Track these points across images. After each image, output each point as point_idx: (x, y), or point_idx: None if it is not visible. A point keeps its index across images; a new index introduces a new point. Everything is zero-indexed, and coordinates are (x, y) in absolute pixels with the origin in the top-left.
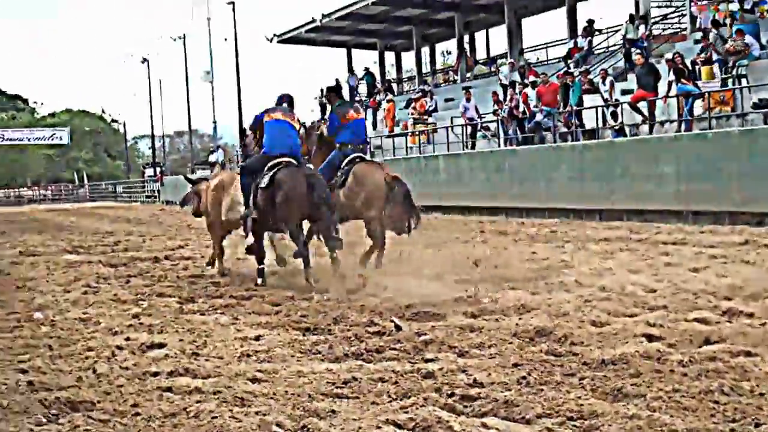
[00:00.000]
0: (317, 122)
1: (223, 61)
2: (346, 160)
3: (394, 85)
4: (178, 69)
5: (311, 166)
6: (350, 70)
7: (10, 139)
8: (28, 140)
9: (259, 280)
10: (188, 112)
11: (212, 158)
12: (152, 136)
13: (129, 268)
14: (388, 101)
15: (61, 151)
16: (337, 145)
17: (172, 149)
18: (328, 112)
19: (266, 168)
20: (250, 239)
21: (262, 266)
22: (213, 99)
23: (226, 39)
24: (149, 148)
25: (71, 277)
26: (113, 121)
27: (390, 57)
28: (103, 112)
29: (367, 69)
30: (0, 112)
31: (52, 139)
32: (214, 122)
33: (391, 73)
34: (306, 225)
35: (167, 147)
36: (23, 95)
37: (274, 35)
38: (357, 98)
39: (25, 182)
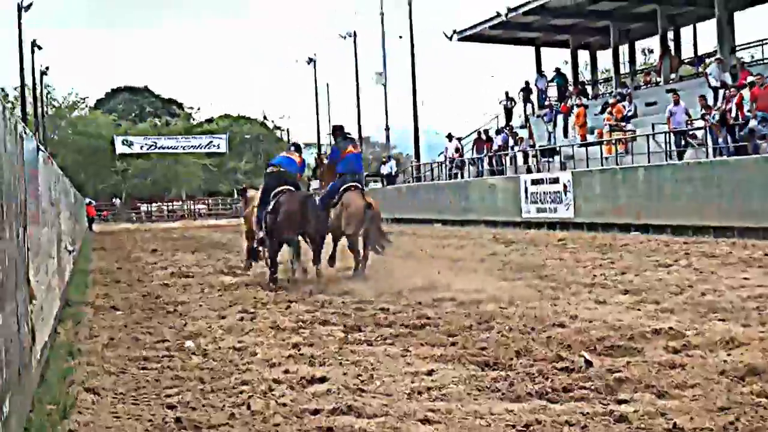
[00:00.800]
0: (323, 154)
1: (397, 61)
2: (342, 187)
3: (588, 88)
4: (347, 70)
5: (311, 189)
6: (539, 70)
7: (164, 147)
8: (183, 148)
9: (271, 285)
10: (358, 117)
11: (384, 169)
12: (318, 145)
13: (290, 292)
14: (578, 106)
15: (219, 161)
16: (338, 175)
17: None
18: (333, 144)
19: (272, 195)
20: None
21: (274, 275)
22: (386, 103)
23: (401, 37)
24: (315, 158)
25: (227, 301)
26: (276, 127)
27: (584, 56)
28: (264, 117)
29: (557, 69)
30: (153, 118)
31: (209, 147)
32: (387, 129)
33: (585, 74)
34: None
35: None
36: (178, 99)
37: (454, 32)
38: (546, 102)
39: (179, 195)
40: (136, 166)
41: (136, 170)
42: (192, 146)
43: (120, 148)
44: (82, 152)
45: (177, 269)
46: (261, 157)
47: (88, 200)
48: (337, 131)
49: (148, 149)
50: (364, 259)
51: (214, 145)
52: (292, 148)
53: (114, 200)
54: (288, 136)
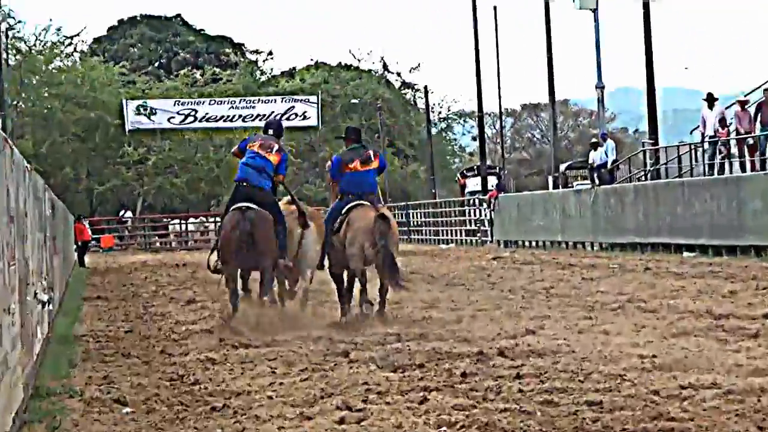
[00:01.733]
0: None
1: None
2: (345, 208)
3: None
4: None
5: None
6: None
7: (209, 119)
8: (243, 120)
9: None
10: (549, 66)
11: (595, 157)
12: (479, 115)
13: (428, 371)
14: None
15: (308, 144)
16: (339, 195)
17: (516, 139)
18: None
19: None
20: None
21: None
22: (597, 42)
23: None
24: (473, 139)
25: (316, 388)
26: (405, 85)
27: None
28: (385, 69)
29: None
30: (190, 69)
31: (289, 119)
32: (600, 87)
33: None
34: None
35: (507, 135)
36: (234, 38)
37: None
38: None
39: None
40: (160, 155)
41: (161, 162)
42: (258, 116)
43: (134, 120)
44: (68, 131)
45: (230, 333)
46: (380, 136)
47: (78, 215)
48: (351, 136)
49: (181, 122)
50: (382, 293)
51: (296, 115)
52: (270, 132)
53: (123, 214)
54: (426, 99)
